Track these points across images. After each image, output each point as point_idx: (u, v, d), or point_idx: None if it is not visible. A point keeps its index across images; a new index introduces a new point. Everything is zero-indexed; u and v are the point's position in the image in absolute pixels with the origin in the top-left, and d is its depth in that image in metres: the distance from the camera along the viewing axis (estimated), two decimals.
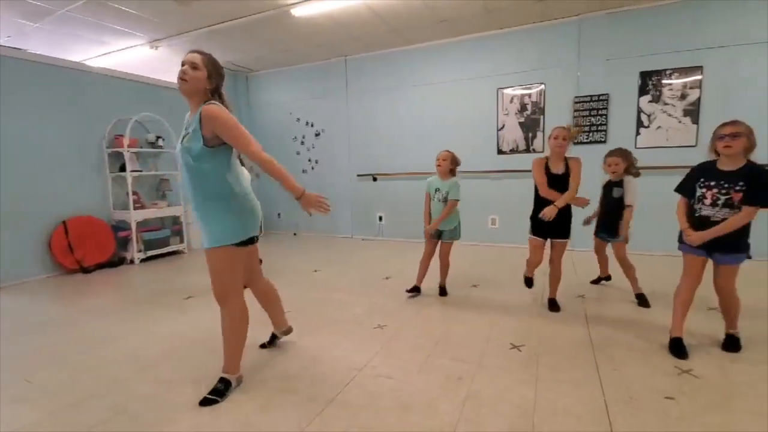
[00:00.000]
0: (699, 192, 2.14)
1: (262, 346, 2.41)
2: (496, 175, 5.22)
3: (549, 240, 2.88)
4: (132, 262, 4.87)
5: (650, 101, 4.45)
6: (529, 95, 4.99)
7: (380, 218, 6.07)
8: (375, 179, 6.01)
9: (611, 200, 3.05)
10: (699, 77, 4.24)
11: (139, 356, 2.35)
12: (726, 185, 2.03)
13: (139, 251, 4.92)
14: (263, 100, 6.82)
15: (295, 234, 6.71)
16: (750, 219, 1.99)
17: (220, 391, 1.88)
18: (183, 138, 1.82)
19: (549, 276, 2.97)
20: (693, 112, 4.29)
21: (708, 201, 2.09)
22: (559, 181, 2.77)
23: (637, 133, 4.52)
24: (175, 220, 5.51)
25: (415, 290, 3.31)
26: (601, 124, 4.65)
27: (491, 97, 5.18)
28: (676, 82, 4.33)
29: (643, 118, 4.50)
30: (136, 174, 4.98)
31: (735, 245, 2.06)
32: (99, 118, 4.84)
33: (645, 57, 4.42)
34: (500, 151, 5.21)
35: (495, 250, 5.01)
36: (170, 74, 5.99)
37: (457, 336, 2.52)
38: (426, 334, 2.56)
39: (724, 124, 2.07)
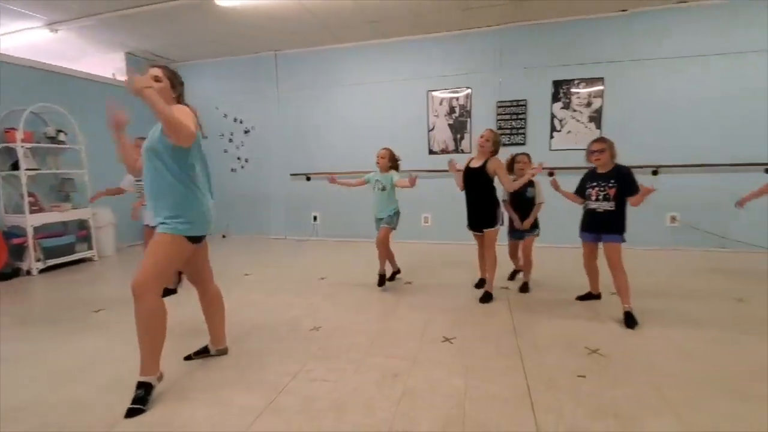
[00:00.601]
0: (587, 192, 2.80)
1: (187, 357, 2.25)
2: (428, 174, 5.39)
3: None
4: (29, 273, 4.27)
5: (562, 107, 4.90)
6: (457, 98, 5.23)
7: (315, 218, 5.97)
8: (309, 179, 5.89)
9: (524, 199, 3.32)
10: (601, 87, 4.75)
11: (40, 378, 2.07)
12: (603, 184, 2.70)
13: (38, 260, 4.33)
14: (186, 93, 6.33)
15: (224, 236, 6.35)
16: (638, 203, 2.62)
17: (142, 399, 1.78)
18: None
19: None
20: (596, 119, 4.80)
21: (593, 197, 2.75)
22: (473, 173, 3.07)
23: (551, 137, 4.95)
24: (82, 224, 4.93)
25: (388, 279, 3.58)
26: (520, 128, 5.02)
27: (422, 98, 5.34)
28: (583, 91, 4.81)
29: (556, 122, 4.93)
30: (32, 173, 4.37)
31: (615, 228, 2.69)
32: None
33: (557, 67, 4.85)
34: (431, 151, 5.39)
35: (428, 247, 5.18)
36: (77, 62, 5.44)
37: (393, 333, 2.57)
38: (362, 334, 2.57)
39: (593, 142, 2.75)
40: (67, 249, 4.64)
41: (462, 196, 3.23)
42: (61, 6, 4.05)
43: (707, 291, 3.23)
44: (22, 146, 4.23)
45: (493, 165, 2.99)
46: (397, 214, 3.49)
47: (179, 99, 2.00)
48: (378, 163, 3.47)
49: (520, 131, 5.02)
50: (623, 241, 2.68)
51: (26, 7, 4.02)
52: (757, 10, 4.24)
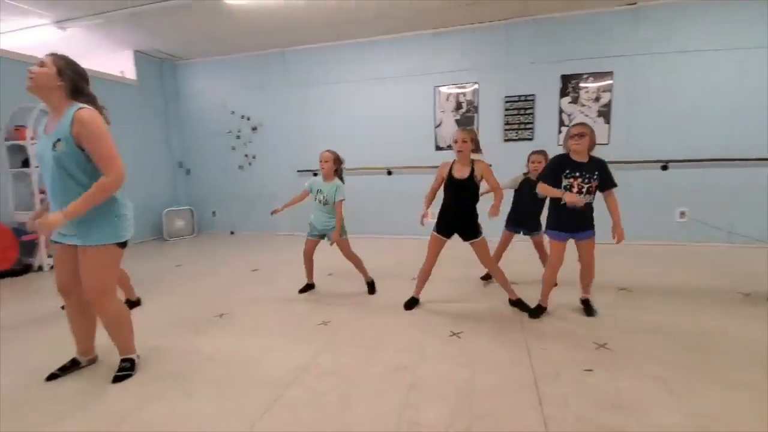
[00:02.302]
0: (566, 182, 2.51)
1: (50, 377, 2.02)
2: (434, 171, 5.38)
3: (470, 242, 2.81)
4: (40, 269, 4.35)
5: (570, 102, 4.86)
6: (464, 94, 5.21)
7: None
8: (316, 174, 5.86)
9: (533, 197, 3.03)
10: (610, 82, 4.70)
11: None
12: (587, 176, 2.47)
13: (49, 256, 4.40)
14: (194, 91, 6.40)
15: (232, 233, 6.40)
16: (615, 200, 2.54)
17: (127, 368, 2.01)
18: (54, 144, 1.75)
19: (496, 280, 2.92)
20: (605, 113, 4.76)
21: (575, 190, 2.49)
22: (461, 185, 2.69)
23: (559, 132, 4.91)
24: None
25: (308, 288, 3.38)
26: (528, 123, 4.99)
27: (429, 94, 5.33)
28: (592, 85, 4.77)
29: (564, 117, 4.90)
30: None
31: (589, 225, 2.57)
32: None
33: (565, 61, 4.81)
34: (438, 148, 5.38)
35: None
36: (86, 60, 5.49)
37: (401, 328, 2.58)
38: (370, 329, 2.58)
39: (574, 125, 2.50)
40: None
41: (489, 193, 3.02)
42: (69, 4, 4.10)
43: (715, 286, 3.21)
44: (32, 143, 4.29)
45: (480, 172, 2.66)
46: (342, 223, 3.15)
47: (76, 91, 1.82)
48: (322, 168, 3.11)
49: (528, 126, 5.00)
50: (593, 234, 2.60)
51: (35, 5, 4.07)
52: None
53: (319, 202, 3.15)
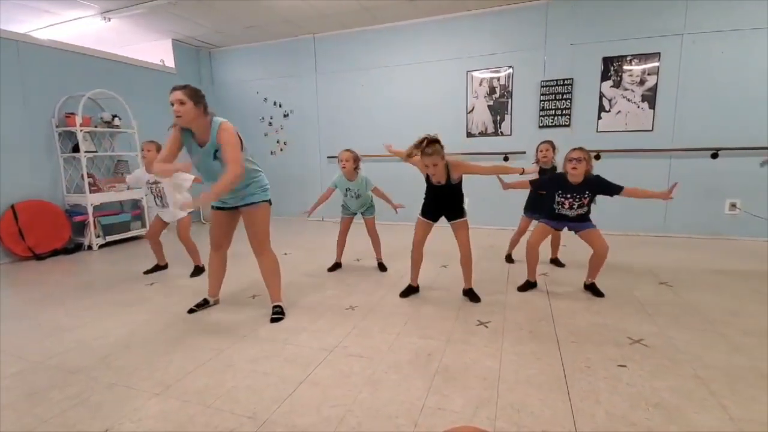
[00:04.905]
0: (558, 199, 2.77)
1: (190, 311, 2.68)
2: (465, 158, 5.28)
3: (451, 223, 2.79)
4: (90, 248, 4.64)
5: (611, 86, 4.61)
6: (498, 78, 5.05)
7: None
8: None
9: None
10: (657, 64, 4.41)
11: (97, 345, 2.27)
12: (578, 196, 2.72)
13: (98, 237, 4.69)
14: (228, 78, 6.55)
15: None
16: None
17: (281, 312, 2.57)
18: (214, 153, 2.29)
19: (460, 263, 2.83)
20: (650, 98, 4.48)
21: (566, 206, 2.76)
22: (441, 190, 2.65)
23: (599, 118, 4.68)
24: (135, 204, 5.27)
25: (336, 267, 3.62)
26: (565, 108, 4.78)
27: (461, 79, 5.20)
28: (636, 68, 4.49)
29: (605, 102, 4.66)
30: (90, 155, 4.70)
31: (588, 219, 2.80)
32: (47, 95, 4.52)
33: (607, 42, 4.55)
34: (469, 134, 5.27)
35: None
36: (127, 49, 5.73)
37: (427, 315, 2.59)
38: (396, 314, 2.60)
39: (573, 150, 2.68)
40: (123, 226, 4.99)
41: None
42: None
43: (764, 286, 3.00)
44: (81, 130, 4.54)
45: (457, 173, 2.59)
46: (373, 201, 3.52)
47: (205, 109, 2.27)
48: (343, 167, 3.20)
49: (565, 112, 4.79)
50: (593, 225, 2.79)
51: None
52: None
53: (351, 197, 3.37)
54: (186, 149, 2.38)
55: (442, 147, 2.48)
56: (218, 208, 2.54)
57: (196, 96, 2.21)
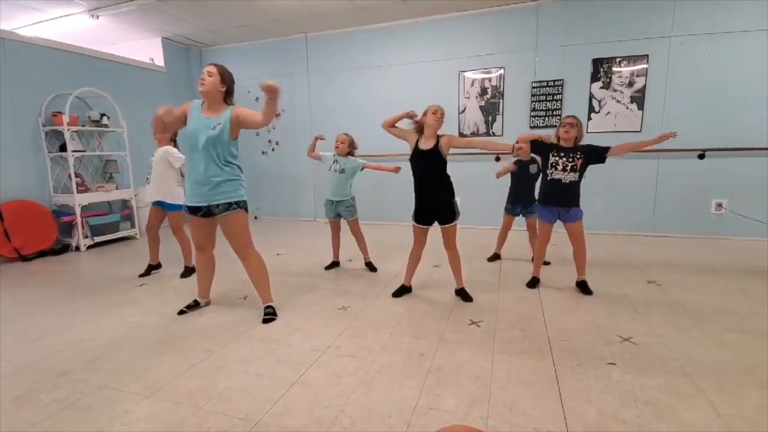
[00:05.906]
0: (552, 159, 2.82)
1: (180, 312, 2.64)
2: (458, 158, 5.31)
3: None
4: (78, 249, 4.57)
5: (601, 87, 4.66)
6: (490, 79, 5.08)
7: None
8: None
9: (528, 176, 3.43)
10: (645, 66, 4.48)
11: (87, 347, 2.23)
12: (571, 155, 2.79)
13: (86, 237, 4.62)
14: None
15: (256, 218, 6.54)
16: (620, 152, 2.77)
17: (273, 312, 2.55)
18: (214, 126, 2.31)
19: (450, 264, 2.87)
20: (639, 99, 4.55)
21: (560, 167, 2.80)
22: (426, 157, 2.63)
23: (589, 118, 4.73)
24: (125, 204, 5.20)
25: (333, 265, 3.67)
26: (556, 109, 4.83)
27: (453, 79, 5.22)
28: (625, 69, 4.55)
29: (594, 103, 4.71)
30: (78, 154, 4.63)
31: (578, 200, 2.83)
32: (34, 94, 4.44)
33: (597, 44, 4.60)
34: (461, 134, 5.29)
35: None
36: (115, 47, 5.65)
37: (420, 315, 2.59)
38: (389, 314, 2.60)
39: (567, 116, 2.85)
40: (112, 227, 4.92)
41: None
42: None
43: (752, 283, 3.06)
44: (69, 129, 4.47)
45: (447, 143, 2.61)
46: (354, 201, 3.51)
47: (229, 92, 2.42)
48: (337, 147, 3.39)
49: (556, 113, 4.83)
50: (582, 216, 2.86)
51: None
52: None
53: (335, 171, 3.41)
54: (186, 127, 2.40)
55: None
56: (193, 214, 2.50)
57: (225, 75, 2.39)
